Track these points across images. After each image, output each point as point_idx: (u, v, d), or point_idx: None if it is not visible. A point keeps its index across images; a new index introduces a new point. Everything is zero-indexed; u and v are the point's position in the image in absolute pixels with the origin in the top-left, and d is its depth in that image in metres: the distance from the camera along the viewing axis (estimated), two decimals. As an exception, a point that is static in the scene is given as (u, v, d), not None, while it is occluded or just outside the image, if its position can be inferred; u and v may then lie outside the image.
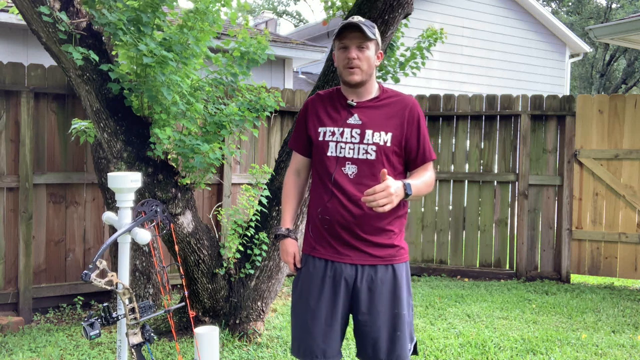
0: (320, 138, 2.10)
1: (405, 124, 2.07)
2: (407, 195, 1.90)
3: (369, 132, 2.04)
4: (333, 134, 2.07)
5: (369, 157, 2.03)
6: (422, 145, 2.10)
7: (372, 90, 2.12)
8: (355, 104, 2.08)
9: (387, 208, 1.80)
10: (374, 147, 2.03)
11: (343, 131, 2.06)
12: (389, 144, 2.04)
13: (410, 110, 2.08)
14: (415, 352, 2.17)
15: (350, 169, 2.04)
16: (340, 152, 2.05)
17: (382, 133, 2.04)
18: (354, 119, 2.07)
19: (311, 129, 2.14)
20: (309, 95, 3.95)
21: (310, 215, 2.17)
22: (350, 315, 2.13)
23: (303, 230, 2.97)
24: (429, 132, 6.18)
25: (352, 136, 2.05)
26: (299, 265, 2.17)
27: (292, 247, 2.20)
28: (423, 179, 2.04)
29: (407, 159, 2.11)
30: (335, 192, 2.04)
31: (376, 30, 2.08)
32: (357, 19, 2.04)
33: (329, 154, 2.07)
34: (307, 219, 2.21)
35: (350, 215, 2.02)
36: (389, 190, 1.80)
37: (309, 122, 2.16)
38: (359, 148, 2.04)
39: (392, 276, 2.07)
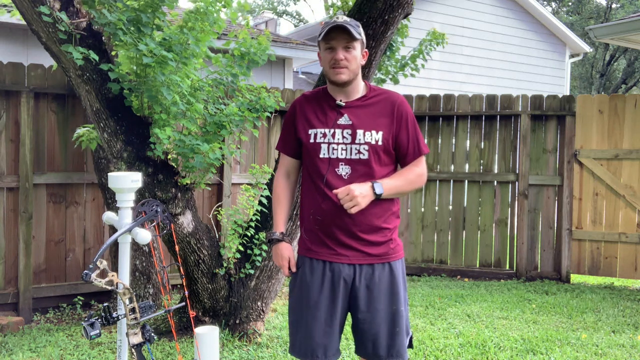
0: (312, 140, 2.09)
1: (394, 122, 2.08)
2: (377, 195, 1.96)
3: (360, 132, 2.05)
4: (324, 135, 2.07)
5: (361, 156, 2.05)
6: (413, 140, 2.11)
7: (359, 89, 2.13)
8: (344, 104, 2.09)
9: (354, 210, 1.91)
10: (366, 147, 2.04)
11: (334, 132, 2.06)
12: (380, 143, 2.05)
13: (398, 107, 2.10)
14: (410, 345, 2.21)
15: (344, 170, 2.06)
16: (333, 154, 2.06)
17: (373, 132, 2.05)
18: (344, 119, 2.07)
19: (301, 131, 2.13)
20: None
21: (303, 217, 2.18)
22: (349, 314, 2.16)
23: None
24: (429, 132, 6.20)
25: (343, 137, 2.06)
26: (293, 270, 2.17)
27: (287, 251, 2.18)
28: (406, 176, 2.08)
29: (398, 156, 2.13)
30: (329, 194, 2.04)
31: (361, 30, 2.10)
32: (342, 19, 2.04)
33: (321, 155, 2.07)
34: (300, 221, 2.21)
35: (346, 215, 2.02)
36: (352, 193, 1.89)
37: (298, 124, 2.15)
38: (351, 148, 2.05)
39: (389, 274, 2.10)
